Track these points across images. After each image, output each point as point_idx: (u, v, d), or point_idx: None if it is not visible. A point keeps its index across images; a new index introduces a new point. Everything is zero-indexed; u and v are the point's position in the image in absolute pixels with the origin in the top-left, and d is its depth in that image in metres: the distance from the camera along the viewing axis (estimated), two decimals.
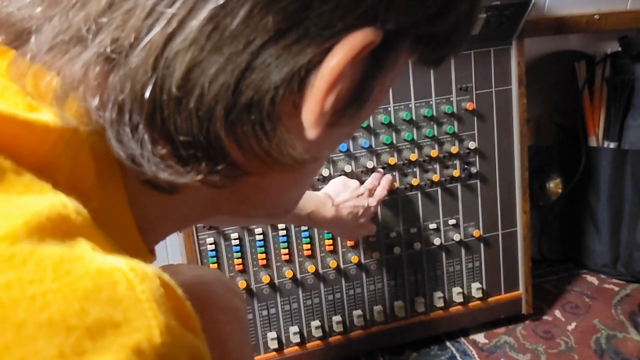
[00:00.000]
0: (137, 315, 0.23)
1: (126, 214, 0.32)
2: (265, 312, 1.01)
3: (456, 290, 1.10)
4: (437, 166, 1.05)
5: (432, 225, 1.07)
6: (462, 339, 1.14)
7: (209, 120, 0.29)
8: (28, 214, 0.23)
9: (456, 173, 1.06)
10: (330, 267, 1.02)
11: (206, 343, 0.27)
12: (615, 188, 1.27)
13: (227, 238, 0.97)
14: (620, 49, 1.30)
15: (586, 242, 1.34)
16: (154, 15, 0.27)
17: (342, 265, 1.03)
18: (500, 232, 1.12)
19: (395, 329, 1.09)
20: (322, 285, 1.03)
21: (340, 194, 0.92)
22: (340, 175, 0.99)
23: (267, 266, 1.00)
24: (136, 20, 0.27)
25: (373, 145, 1.01)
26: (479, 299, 1.12)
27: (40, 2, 0.29)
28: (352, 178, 0.98)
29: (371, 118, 1.00)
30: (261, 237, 0.98)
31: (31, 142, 0.27)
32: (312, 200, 0.87)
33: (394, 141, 1.02)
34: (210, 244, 0.96)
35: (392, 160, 1.02)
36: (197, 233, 0.95)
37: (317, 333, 1.03)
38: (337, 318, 1.04)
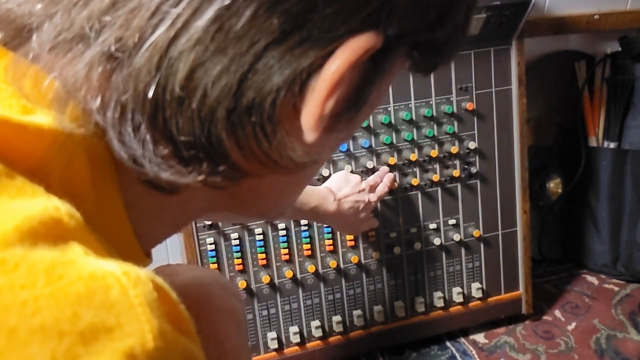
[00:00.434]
0: (130, 319, 0.23)
1: (122, 216, 0.32)
2: (265, 312, 1.01)
3: (456, 290, 1.10)
4: (437, 166, 1.05)
5: (432, 225, 1.07)
6: (462, 339, 1.14)
7: (211, 121, 0.29)
8: (20, 218, 0.23)
9: (456, 173, 1.06)
10: (330, 267, 1.02)
11: (201, 346, 0.27)
12: (615, 188, 1.27)
13: (227, 238, 0.97)
14: (620, 49, 1.30)
15: (586, 242, 1.34)
16: (158, 15, 0.27)
17: (342, 265, 1.03)
18: (500, 232, 1.12)
19: (395, 329, 1.09)
20: (322, 285, 1.03)
21: (341, 188, 0.92)
22: None
23: (267, 266, 1.00)
24: (140, 19, 0.27)
25: (373, 145, 1.01)
26: (479, 299, 1.12)
27: None
28: None
29: (371, 118, 1.00)
30: (261, 237, 0.98)
31: (25, 145, 0.27)
32: (315, 195, 0.87)
33: (394, 141, 1.02)
34: (210, 244, 0.96)
35: (392, 160, 1.02)
36: (197, 233, 0.95)
37: (317, 333, 1.03)
38: (337, 318, 1.04)
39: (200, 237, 0.95)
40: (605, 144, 1.29)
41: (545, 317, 1.19)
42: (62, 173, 0.28)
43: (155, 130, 0.29)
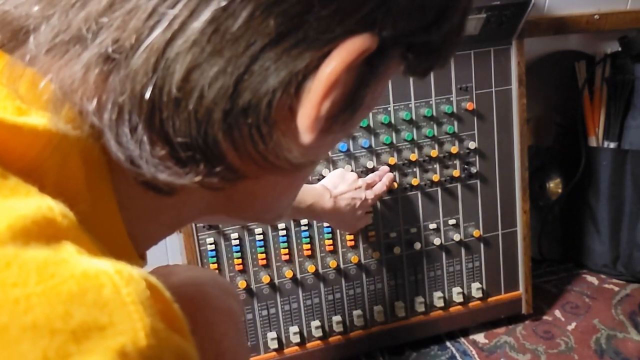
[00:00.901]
0: (123, 318, 0.23)
1: (115, 217, 0.32)
2: (265, 312, 1.01)
3: (456, 290, 1.10)
4: (437, 166, 1.06)
5: (432, 225, 1.07)
6: (462, 339, 1.14)
7: (207, 123, 0.29)
8: (13, 217, 0.23)
9: (456, 173, 1.06)
10: (330, 267, 1.02)
11: (195, 345, 0.27)
12: (615, 188, 1.27)
13: (227, 238, 0.97)
14: (620, 49, 1.30)
15: (586, 242, 1.34)
16: (155, 17, 0.27)
17: (342, 265, 1.04)
18: (500, 232, 1.12)
19: (395, 329, 1.09)
20: (322, 285, 1.03)
21: (338, 186, 0.93)
22: None
23: (267, 266, 1.00)
24: (137, 21, 0.27)
25: (373, 145, 1.01)
26: (479, 299, 1.12)
27: (38, 0, 0.29)
28: None
29: (371, 118, 1.00)
30: (261, 237, 0.98)
31: (19, 146, 0.27)
32: (311, 193, 0.88)
33: (394, 141, 1.02)
34: (210, 244, 0.96)
35: (392, 160, 1.02)
36: (197, 233, 0.95)
37: (317, 333, 1.03)
38: (337, 318, 1.04)
39: (200, 237, 0.96)
40: (605, 144, 1.29)
41: (545, 317, 1.19)
42: (56, 174, 0.28)
43: (152, 131, 0.29)
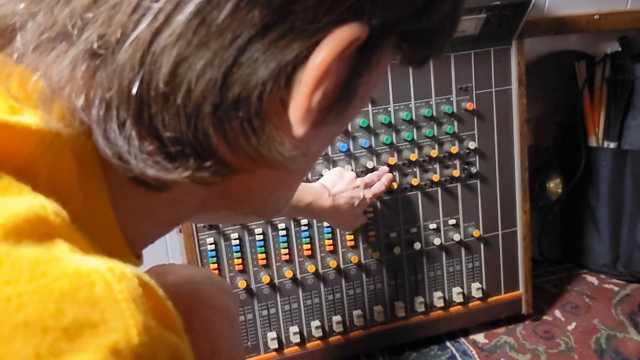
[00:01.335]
0: (115, 315, 0.23)
1: (109, 216, 0.32)
2: (265, 312, 1.01)
3: (456, 290, 1.10)
4: (437, 166, 1.06)
5: (432, 225, 1.07)
6: (462, 339, 1.14)
7: (197, 117, 0.29)
8: (5, 215, 0.23)
9: (456, 173, 1.06)
10: (330, 267, 1.02)
11: (188, 343, 0.27)
12: (615, 188, 1.27)
13: (227, 238, 0.97)
14: (620, 49, 1.30)
15: (586, 242, 1.34)
16: (140, 10, 0.27)
17: (342, 265, 1.04)
18: (500, 232, 1.12)
19: (395, 329, 1.09)
20: (322, 285, 1.03)
21: (336, 184, 0.93)
22: None
23: (267, 266, 1.00)
24: (122, 15, 0.27)
25: (373, 145, 1.01)
26: (479, 299, 1.12)
27: None
28: None
29: (371, 118, 1.00)
30: (261, 237, 0.98)
31: (12, 144, 0.27)
32: (309, 192, 0.88)
33: (394, 141, 1.02)
34: (210, 244, 0.96)
35: (392, 160, 1.02)
36: (197, 233, 0.95)
37: (317, 333, 1.03)
38: (337, 318, 1.04)
39: (200, 237, 0.96)
40: (605, 144, 1.29)
41: (545, 317, 1.19)
42: (49, 173, 0.28)
43: (140, 126, 0.29)
